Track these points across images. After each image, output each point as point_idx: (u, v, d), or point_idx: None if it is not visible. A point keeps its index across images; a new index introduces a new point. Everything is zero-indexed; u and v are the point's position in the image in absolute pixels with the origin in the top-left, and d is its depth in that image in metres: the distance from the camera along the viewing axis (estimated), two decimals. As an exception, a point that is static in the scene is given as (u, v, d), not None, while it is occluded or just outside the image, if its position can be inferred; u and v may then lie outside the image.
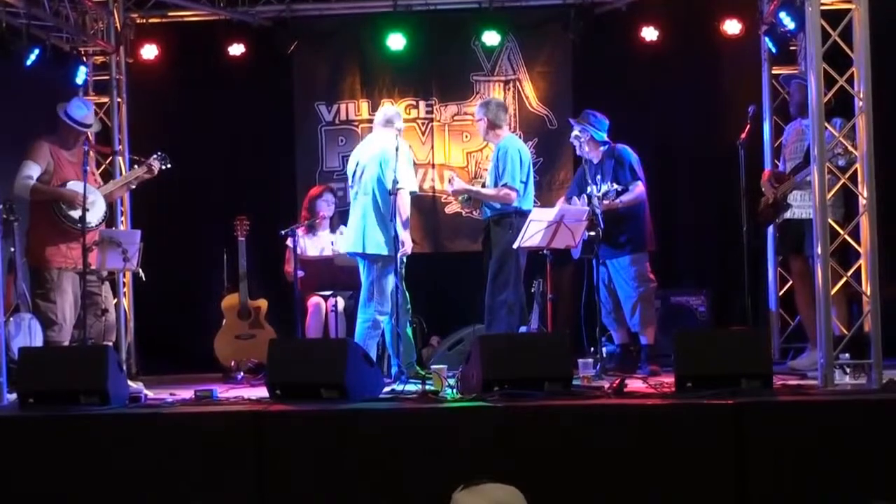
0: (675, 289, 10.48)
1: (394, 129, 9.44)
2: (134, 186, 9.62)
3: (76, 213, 8.74)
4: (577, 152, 9.42)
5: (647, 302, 9.35)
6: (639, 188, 9.25)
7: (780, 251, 10.05)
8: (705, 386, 6.87)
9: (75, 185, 8.81)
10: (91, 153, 9.33)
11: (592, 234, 9.00)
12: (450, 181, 9.96)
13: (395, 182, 8.86)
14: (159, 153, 9.46)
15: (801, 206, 8.73)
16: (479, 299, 9.58)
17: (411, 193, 9.26)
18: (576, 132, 9.30)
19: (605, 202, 9.07)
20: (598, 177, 9.30)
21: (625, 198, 9.14)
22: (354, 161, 9.49)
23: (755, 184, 9.04)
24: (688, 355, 7.16)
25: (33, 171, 8.87)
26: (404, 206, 9.10)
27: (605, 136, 9.38)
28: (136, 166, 9.55)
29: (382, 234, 9.13)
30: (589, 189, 9.18)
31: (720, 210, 10.50)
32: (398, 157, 8.93)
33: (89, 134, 9.32)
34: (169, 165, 9.47)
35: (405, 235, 9.10)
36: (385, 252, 9.10)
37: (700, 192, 11.04)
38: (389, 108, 10.13)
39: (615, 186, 9.11)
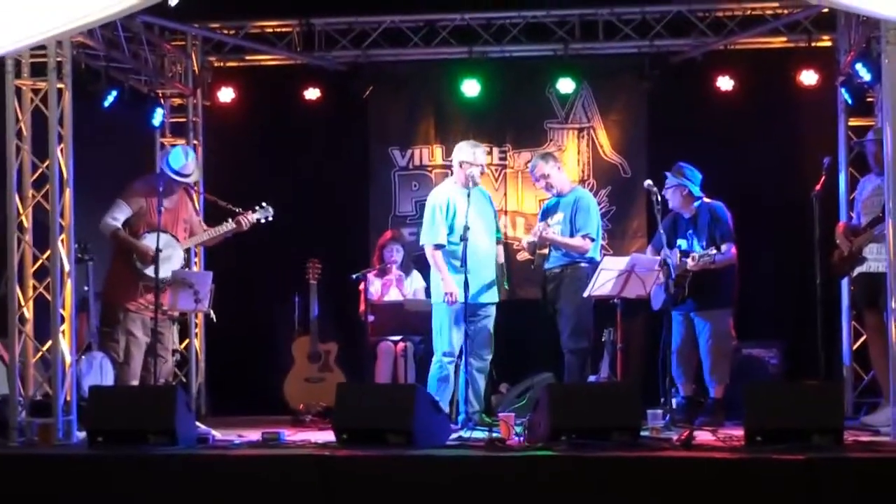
0: (747, 341, 10.33)
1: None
2: (230, 236, 9.40)
3: (150, 270, 8.67)
4: (669, 206, 9.36)
5: (725, 358, 9.33)
6: (733, 251, 9.23)
7: (854, 304, 9.92)
8: (775, 440, 6.79)
9: (158, 237, 8.67)
10: (194, 194, 9.50)
11: (678, 287, 8.97)
12: (544, 229, 9.49)
13: (467, 228, 8.88)
14: (263, 205, 9.41)
15: (876, 259, 8.58)
16: (548, 347, 9.55)
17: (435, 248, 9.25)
18: (651, 186, 9.12)
19: (701, 263, 9.02)
20: (690, 232, 9.29)
21: (719, 259, 9.04)
22: None
23: (829, 236, 8.94)
24: (758, 408, 7.09)
25: (122, 213, 8.93)
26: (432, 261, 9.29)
27: (699, 191, 9.35)
28: (230, 219, 9.31)
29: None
30: (679, 243, 9.24)
31: (794, 262, 10.37)
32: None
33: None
34: (270, 218, 9.43)
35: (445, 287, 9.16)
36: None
37: (774, 243, 10.92)
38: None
39: (713, 251, 8.97)
